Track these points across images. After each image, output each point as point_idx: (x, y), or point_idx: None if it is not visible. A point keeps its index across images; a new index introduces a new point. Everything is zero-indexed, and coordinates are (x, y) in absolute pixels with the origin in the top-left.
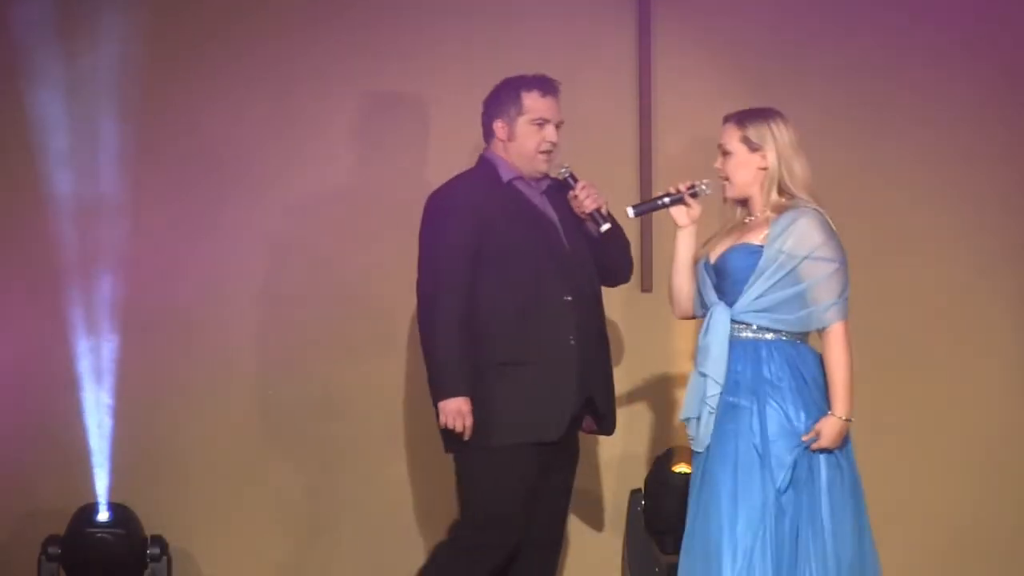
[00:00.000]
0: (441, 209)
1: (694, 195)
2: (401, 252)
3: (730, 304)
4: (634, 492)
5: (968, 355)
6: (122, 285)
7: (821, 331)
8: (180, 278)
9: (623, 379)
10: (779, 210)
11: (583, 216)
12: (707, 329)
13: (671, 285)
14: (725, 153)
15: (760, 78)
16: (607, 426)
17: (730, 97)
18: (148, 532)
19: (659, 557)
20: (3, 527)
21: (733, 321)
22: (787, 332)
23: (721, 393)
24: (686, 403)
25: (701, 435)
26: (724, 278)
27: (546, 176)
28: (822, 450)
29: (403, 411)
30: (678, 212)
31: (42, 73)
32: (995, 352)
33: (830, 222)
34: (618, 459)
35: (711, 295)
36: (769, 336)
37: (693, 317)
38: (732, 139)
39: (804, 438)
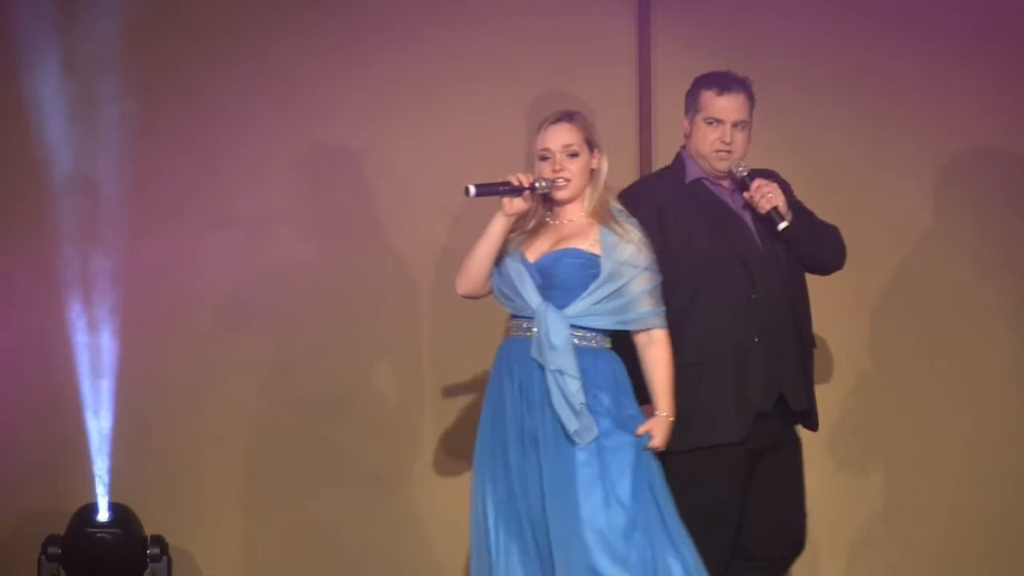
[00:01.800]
0: (630, 205)
1: (533, 190)
2: (401, 252)
3: (560, 307)
4: None
5: (971, 355)
6: (122, 284)
7: (637, 334)
8: (181, 277)
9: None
10: (601, 215)
11: (763, 215)
12: (548, 331)
13: (473, 259)
14: (573, 154)
15: (762, 76)
16: (810, 423)
17: None
18: (148, 532)
19: None
20: (3, 527)
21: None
22: (605, 339)
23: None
24: (556, 406)
25: (583, 428)
26: (551, 280)
27: (731, 174)
28: (655, 450)
29: (405, 412)
30: (510, 201)
31: (42, 67)
32: (1000, 352)
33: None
34: None
35: (533, 295)
36: (594, 344)
37: (476, 297)
38: (578, 139)
39: (637, 432)
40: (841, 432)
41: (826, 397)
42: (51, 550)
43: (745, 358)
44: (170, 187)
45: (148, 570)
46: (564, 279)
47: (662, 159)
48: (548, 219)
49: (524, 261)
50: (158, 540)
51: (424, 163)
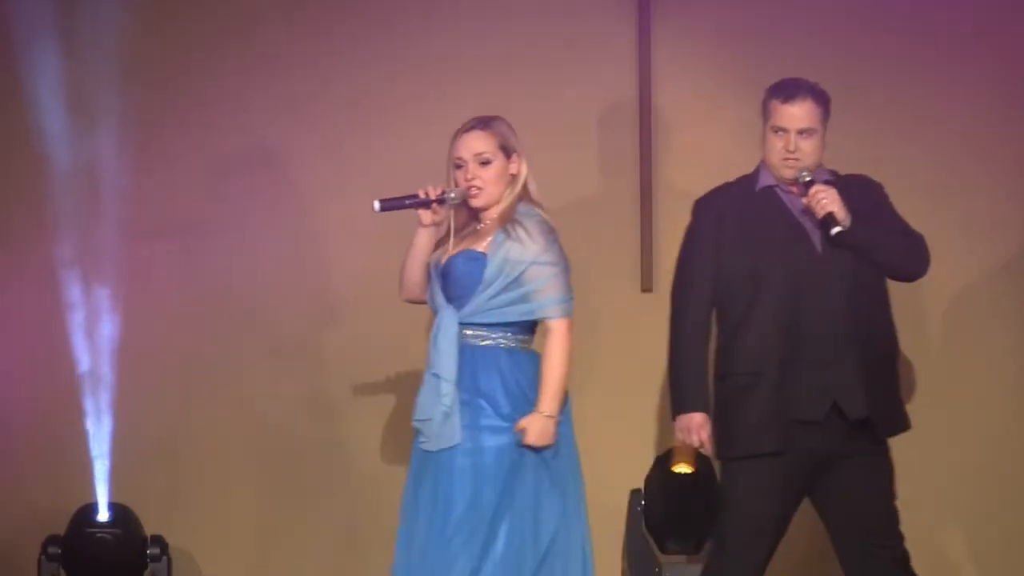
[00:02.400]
0: (694, 213)
1: (442, 202)
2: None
3: (459, 308)
4: (634, 492)
5: (972, 356)
6: (122, 284)
7: (544, 326)
8: (182, 277)
9: (622, 379)
10: (505, 217)
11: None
12: (437, 331)
13: (403, 269)
14: (485, 162)
15: (762, 77)
16: (877, 433)
17: (733, 95)
18: (148, 532)
19: (658, 557)
20: (3, 527)
21: (460, 324)
22: (507, 339)
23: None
24: (420, 405)
25: (436, 435)
26: (449, 282)
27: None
28: (532, 448)
29: (407, 412)
30: (424, 213)
31: (42, 67)
32: (1002, 354)
33: (552, 227)
34: (618, 459)
35: (438, 298)
36: (488, 343)
37: (420, 303)
38: (491, 146)
39: (515, 429)
40: None
41: None
42: (51, 550)
43: (790, 368)
44: (171, 187)
45: (148, 570)
46: (458, 280)
47: (662, 161)
48: (476, 225)
49: (436, 266)
50: (158, 540)
51: (421, 164)
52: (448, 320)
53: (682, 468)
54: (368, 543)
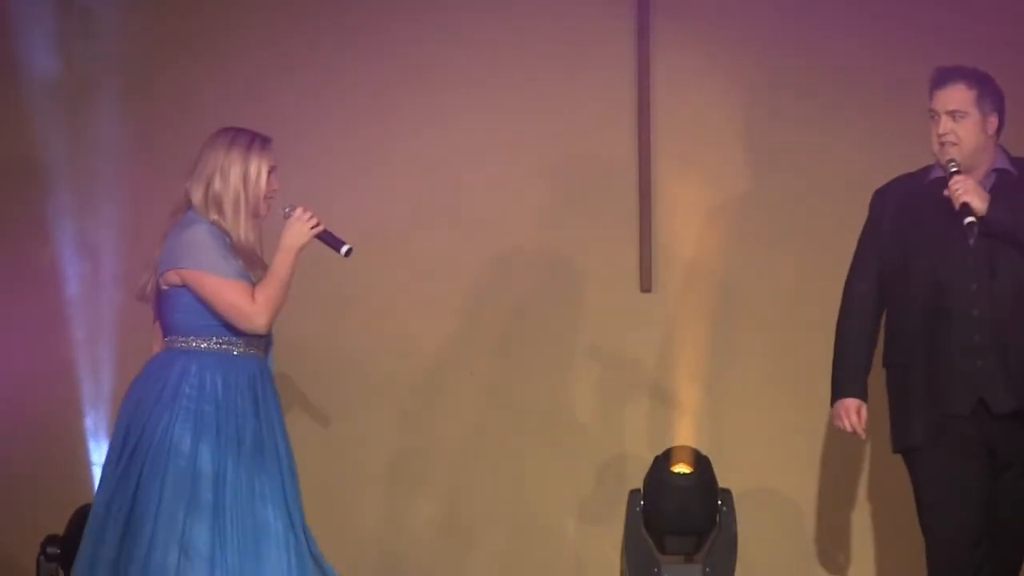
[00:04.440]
0: (870, 203)
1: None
2: (398, 251)
3: None
4: (633, 492)
5: None
6: (121, 283)
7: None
8: None
9: (622, 379)
10: None
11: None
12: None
13: (282, 298)
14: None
15: (761, 79)
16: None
17: (732, 96)
18: None
19: (658, 557)
20: (2, 527)
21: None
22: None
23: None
24: None
25: None
26: None
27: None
28: None
29: (407, 411)
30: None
31: (41, 70)
32: None
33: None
34: (617, 459)
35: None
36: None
37: None
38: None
39: None
40: None
41: None
42: (50, 550)
43: (937, 363)
44: (171, 188)
45: None
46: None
47: (660, 161)
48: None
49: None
50: None
51: (423, 166)
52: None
53: (681, 468)
54: (371, 543)
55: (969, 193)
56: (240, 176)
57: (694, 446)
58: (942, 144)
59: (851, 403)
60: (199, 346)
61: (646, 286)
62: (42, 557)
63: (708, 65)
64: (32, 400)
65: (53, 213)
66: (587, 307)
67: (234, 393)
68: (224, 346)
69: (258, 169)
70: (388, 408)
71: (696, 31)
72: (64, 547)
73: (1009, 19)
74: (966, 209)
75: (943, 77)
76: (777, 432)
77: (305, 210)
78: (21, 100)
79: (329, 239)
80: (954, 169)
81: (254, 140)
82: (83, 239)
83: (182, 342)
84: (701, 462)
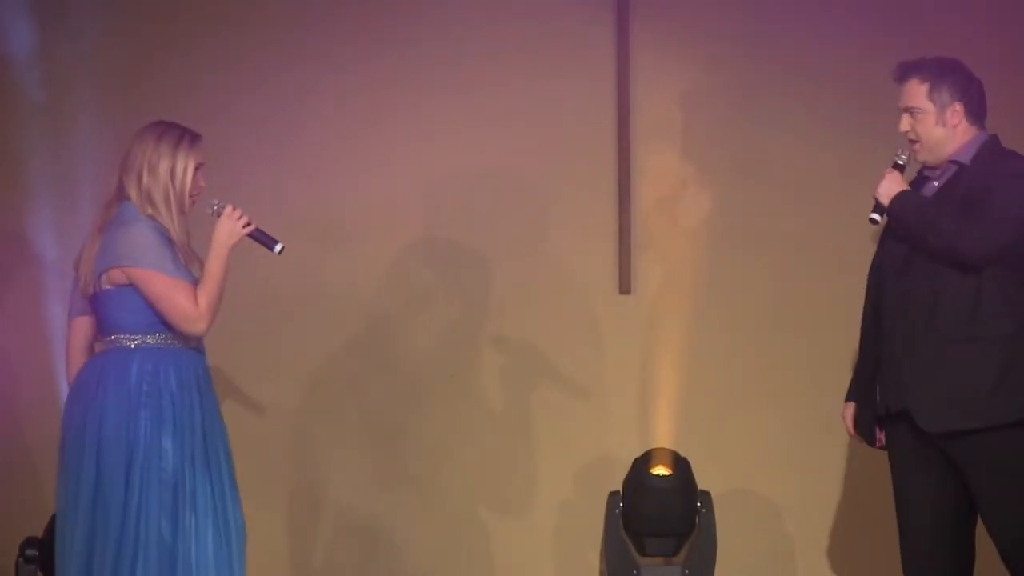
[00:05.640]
0: None
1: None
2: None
3: None
4: (612, 494)
5: None
6: None
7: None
8: None
9: (601, 381)
10: None
11: None
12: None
13: (220, 297)
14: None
15: (740, 84)
16: (923, 423)
17: (711, 98)
18: None
19: (637, 559)
20: None
21: None
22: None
23: None
24: None
25: None
26: None
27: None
28: None
29: (386, 413)
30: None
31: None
32: None
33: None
34: (596, 461)
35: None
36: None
37: None
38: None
39: None
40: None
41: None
42: (29, 552)
43: (877, 367)
44: None
45: None
46: None
47: (639, 166)
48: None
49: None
50: None
51: (402, 170)
52: None
53: (661, 470)
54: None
55: (881, 187)
56: (168, 171)
57: (673, 448)
58: (908, 142)
59: (847, 406)
60: (148, 343)
61: (625, 288)
62: (21, 559)
63: (687, 68)
64: (10, 402)
65: (40, 215)
66: (567, 309)
67: (186, 387)
68: (170, 341)
69: (185, 165)
70: (368, 410)
71: (675, 34)
72: (43, 550)
73: (983, 19)
74: (876, 205)
75: (899, 73)
76: (756, 434)
77: (235, 208)
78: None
79: (261, 237)
80: (899, 163)
81: (183, 135)
82: (62, 242)
83: (130, 340)
84: (680, 464)
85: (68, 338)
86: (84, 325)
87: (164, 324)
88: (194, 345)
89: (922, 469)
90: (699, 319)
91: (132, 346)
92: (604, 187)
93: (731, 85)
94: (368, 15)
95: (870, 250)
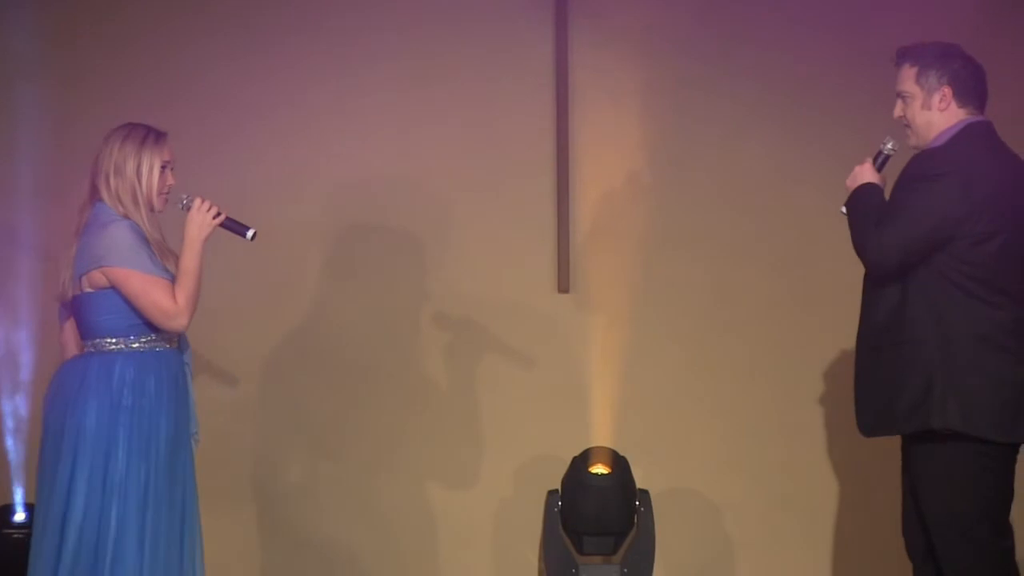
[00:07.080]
0: None
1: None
2: (313, 253)
3: None
4: (551, 493)
5: None
6: (40, 278)
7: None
8: None
9: (539, 379)
10: None
11: None
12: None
13: (197, 291)
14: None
15: (678, 83)
16: (860, 426)
17: (649, 96)
18: None
19: (576, 558)
20: None
21: None
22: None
23: None
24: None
25: None
26: None
27: None
28: None
29: (323, 413)
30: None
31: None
32: None
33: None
34: (535, 460)
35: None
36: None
37: None
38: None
39: None
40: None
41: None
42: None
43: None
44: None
45: None
46: None
47: (578, 165)
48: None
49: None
50: None
51: (340, 169)
52: None
53: (599, 469)
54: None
55: (851, 176)
56: (134, 170)
57: (612, 447)
58: (904, 127)
59: None
60: (130, 346)
61: (564, 287)
62: None
63: (626, 66)
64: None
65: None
66: (504, 308)
67: (165, 390)
68: (152, 343)
69: (151, 163)
70: (303, 409)
71: (613, 33)
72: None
73: (920, 18)
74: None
75: (896, 57)
76: (694, 432)
77: (203, 200)
78: None
79: (233, 226)
80: (884, 152)
81: (148, 134)
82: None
83: (113, 344)
84: (619, 463)
85: (62, 341)
86: (75, 327)
87: (146, 326)
88: (175, 343)
89: (904, 459)
90: (638, 318)
91: (114, 350)
92: (543, 186)
93: (669, 84)
94: (303, 10)
95: (807, 249)
